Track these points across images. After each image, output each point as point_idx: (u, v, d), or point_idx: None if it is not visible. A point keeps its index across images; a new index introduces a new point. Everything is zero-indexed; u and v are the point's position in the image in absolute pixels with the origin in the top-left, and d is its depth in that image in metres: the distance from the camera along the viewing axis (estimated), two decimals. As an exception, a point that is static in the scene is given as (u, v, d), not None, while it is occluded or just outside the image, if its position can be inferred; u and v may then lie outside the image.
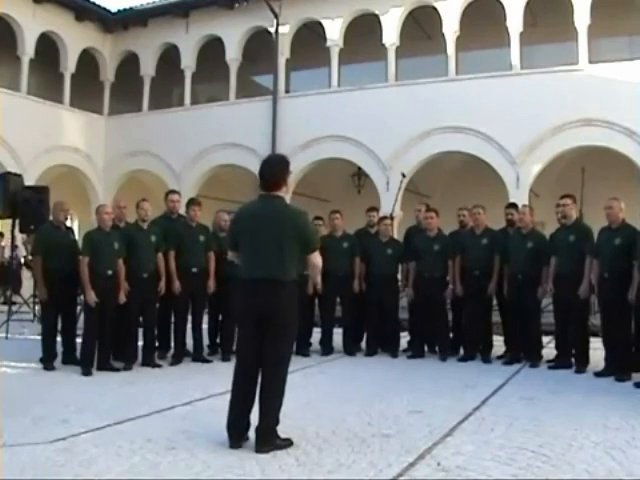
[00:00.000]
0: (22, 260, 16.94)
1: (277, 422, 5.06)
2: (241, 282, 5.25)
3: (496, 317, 10.14)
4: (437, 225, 10.14)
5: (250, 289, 5.14)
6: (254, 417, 5.06)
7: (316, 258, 5.31)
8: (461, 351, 9.93)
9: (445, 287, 9.96)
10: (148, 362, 8.87)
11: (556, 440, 5.26)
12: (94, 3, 22.15)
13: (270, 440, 4.97)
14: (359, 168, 20.46)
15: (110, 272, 8.45)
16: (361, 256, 10.33)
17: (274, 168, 5.26)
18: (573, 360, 8.92)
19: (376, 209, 11.40)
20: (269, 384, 5.04)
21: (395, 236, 11.88)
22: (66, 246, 8.88)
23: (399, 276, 10.67)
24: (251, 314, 5.12)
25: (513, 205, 10.64)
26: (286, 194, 5.28)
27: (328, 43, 20.11)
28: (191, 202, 9.75)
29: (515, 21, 17.75)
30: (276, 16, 20.32)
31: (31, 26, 20.61)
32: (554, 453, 4.90)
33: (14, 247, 13.79)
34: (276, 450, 4.91)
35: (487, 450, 4.98)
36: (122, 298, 8.57)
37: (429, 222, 10.10)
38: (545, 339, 9.72)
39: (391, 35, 19.24)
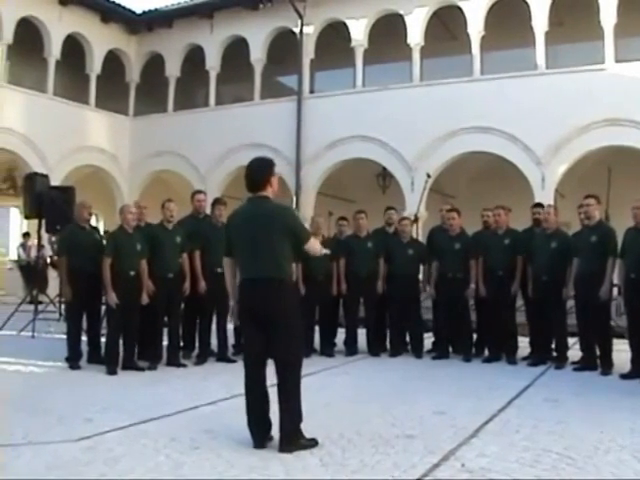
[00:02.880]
0: (48, 260, 17.07)
1: (300, 420, 5.07)
2: (240, 283, 5.32)
3: (521, 318, 10.07)
4: (459, 225, 10.12)
5: (248, 289, 5.22)
6: (275, 416, 5.08)
7: (311, 245, 5.39)
8: (486, 352, 9.90)
9: (467, 287, 9.92)
10: (173, 362, 8.91)
11: (582, 443, 5.23)
12: (119, 5, 22.28)
13: (294, 440, 4.99)
14: (384, 168, 20.40)
15: (132, 273, 8.49)
16: (385, 256, 10.32)
17: (257, 170, 5.34)
18: (598, 362, 8.86)
19: (394, 208, 11.34)
20: (283, 384, 5.06)
21: (420, 236, 11.85)
22: (91, 245, 8.94)
23: (421, 276, 10.64)
24: (251, 314, 5.19)
25: (540, 205, 10.57)
26: (273, 194, 5.33)
27: (353, 43, 20.08)
28: (216, 202, 9.77)
29: (540, 20, 17.63)
30: (301, 17, 20.31)
31: (57, 28, 20.76)
32: (580, 456, 4.87)
33: (40, 247, 13.91)
34: (301, 450, 4.93)
35: (511, 452, 4.96)
36: (144, 299, 8.59)
37: (451, 222, 10.08)
38: (570, 340, 9.65)
39: (416, 35, 19.18)
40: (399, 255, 10.26)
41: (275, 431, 5.10)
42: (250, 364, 5.23)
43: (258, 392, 5.13)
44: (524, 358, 9.66)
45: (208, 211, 9.93)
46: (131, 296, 8.45)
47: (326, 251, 5.79)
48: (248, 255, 5.22)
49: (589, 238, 8.87)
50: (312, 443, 5.06)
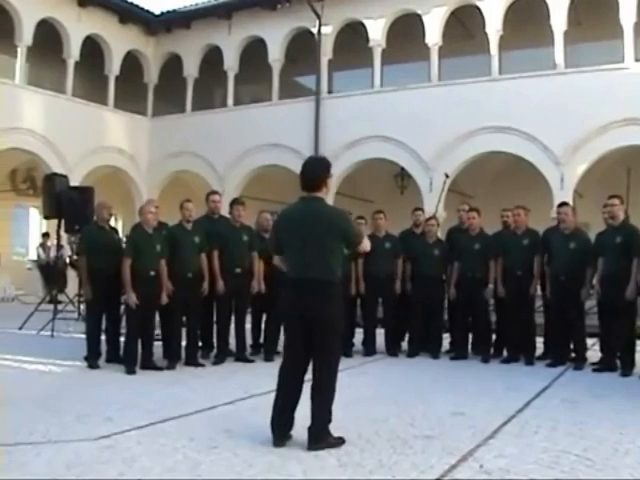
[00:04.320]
0: (67, 260, 17.15)
1: (329, 420, 5.10)
2: (288, 282, 5.31)
3: (538, 318, 10.03)
4: (479, 224, 10.11)
5: (296, 289, 5.20)
6: (298, 416, 5.10)
7: (363, 246, 5.45)
8: (504, 353, 9.87)
9: (486, 287, 9.89)
10: (191, 361, 8.94)
11: (601, 444, 5.20)
12: (137, 6, 22.35)
13: (323, 438, 5.02)
14: (402, 168, 20.35)
15: (152, 273, 8.52)
16: (404, 257, 10.31)
17: (315, 170, 5.32)
18: (618, 363, 8.81)
19: (422, 209, 11.35)
20: (320, 382, 5.09)
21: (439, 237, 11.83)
22: (110, 246, 8.99)
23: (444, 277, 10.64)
24: (297, 314, 5.17)
25: (566, 204, 10.50)
26: (326, 195, 5.32)
27: (370, 43, 20.06)
28: (235, 202, 9.79)
29: (559, 20, 17.55)
30: (318, 17, 20.30)
31: (76, 29, 20.86)
32: (599, 457, 4.85)
33: (59, 247, 13.98)
34: (328, 448, 4.95)
35: (530, 453, 4.94)
36: (164, 299, 8.63)
37: (471, 222, 10.07)
38: (589, 341, 9.60)
39: (434, 35, 19.14)
40: (425, 255, 10.24)
41: (295, 430, 5.12)
42: (290, 362, 5.24)
43: (292, 391, 5.15)
44: (538, 358, 9.64)
45: (223, 212, 9.95)
46: (150, 296, 8.48)
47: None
48: (299, 255, 5.22)
49: (614, 238, 8.83)
50: (340, 442, 5.09)
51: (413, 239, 10.65)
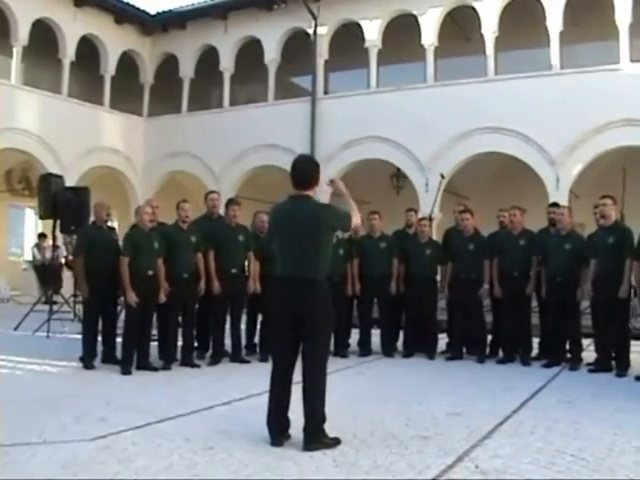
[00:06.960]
0: (63, 260, 17.12)
1: (324, 419, 5.10)
2: (275, 281, 5.35)
3: (533, 319, 10.05)
4: (473, 225, 10.12)
5: (282, 288, 5.23)
6: (294, 416, 5.10)
7: (355, 222, 5.46)
8: (500, 353, 9.88)
9: (480, 287, 9.89)
10: (187, 362, 8.93)
11: (596, 444, 5.21)
12: (133, 6, 22.36)
13: (318, 438, 5.02)
14: (398, 169, 20.37)
15: (151, 272, 8.51)
16: (399, 257, 10.31)
17: (307, 168, 5.39)
18: (613, 363, 8.82)
19: (414, 210, 11.36)
20: (310, 382, 5.08)
21: (434, 237, 11.83)
22: (108, 246, 8.98)
23: (438, 277, 10.63)
24: (284, 313, 5.19)
25: (556, 204, 10.54)
26: (314, 193, 5.35)
27: (366, 44, 20.08)
28: (230, 202, 9.78)
29: (555, 20, 17.57)
30: (314, 17, 20.32)
31: (72, 29, 20.87)
32: (594, 457, 4.85)
33: (55, 247, 13.96)
34: (324, 449, 4.95)
35: (526, 453, 4.94)
36: (162, 298, 8.62)
37: (464, 223, 10.08)
38: (585, 342, 9.61)
39: (430, 35, 19.16)
40: (417, 255, 10.24)
41: (293, 430, 5.12)
42: (279, 361, 5.25)
43: (283, 390, 5.15)
44: (534, 358, 9.65)
45: (221, 211, 9.95)
46: (149, 296, 8.48)
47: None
48: (287, 254, 5.24)
49: (606, 239, 8.82)
50: (335, 442, 5.08)
51: (405, 239, 10.65)
